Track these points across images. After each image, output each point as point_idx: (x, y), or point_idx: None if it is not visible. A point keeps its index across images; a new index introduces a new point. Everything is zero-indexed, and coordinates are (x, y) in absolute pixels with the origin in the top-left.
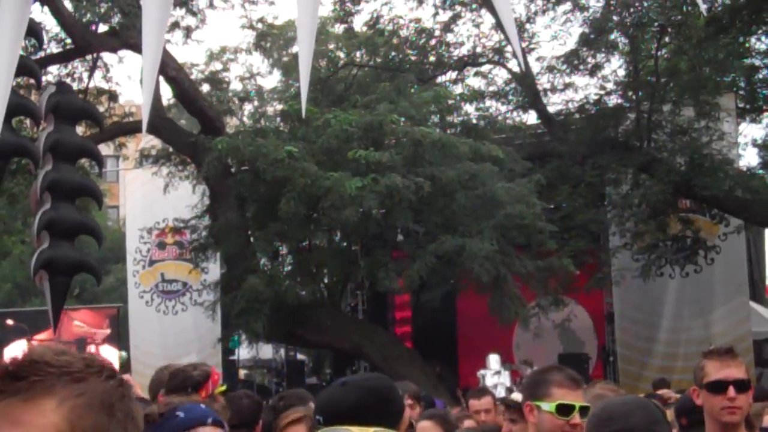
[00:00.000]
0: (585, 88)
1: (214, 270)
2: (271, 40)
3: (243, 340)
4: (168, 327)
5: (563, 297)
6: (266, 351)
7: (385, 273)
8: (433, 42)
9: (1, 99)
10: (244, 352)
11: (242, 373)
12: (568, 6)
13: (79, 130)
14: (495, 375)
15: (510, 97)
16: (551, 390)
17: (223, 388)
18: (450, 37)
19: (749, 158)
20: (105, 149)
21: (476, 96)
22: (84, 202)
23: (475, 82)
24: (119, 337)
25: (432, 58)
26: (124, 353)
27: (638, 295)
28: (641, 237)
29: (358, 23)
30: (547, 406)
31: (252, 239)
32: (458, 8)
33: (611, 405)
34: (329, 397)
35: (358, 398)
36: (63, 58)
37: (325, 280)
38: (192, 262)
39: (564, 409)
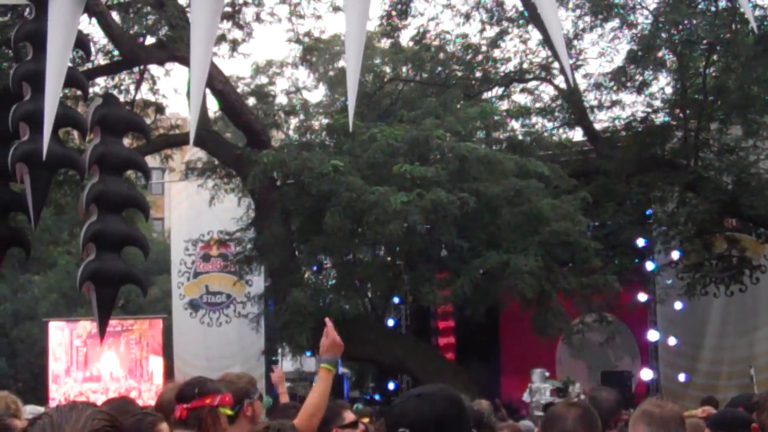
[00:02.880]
0: (632, 105)
1: (258, 282)
2: (318, 54)
3: (287, 352)
4: (212, 339)
5: (607, 314)
6: (310, 364)
7: (429, 288)
8: (479, 58)
9: (50, 110)
10: (287, 365)
11: (285, 385)
12: (616, 23)
13: (126, 142)
14: (536, 390)
15: (556, 114)
16: None
17: (230, 412)
18: (497, 53)
19: None
20: (151, 161)
21: (522, 112)
22: (130, 214)
23: (522, 98)
24: (163, 348)
25: (478, 74)
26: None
27: (682, 314)
28: (687, 255)
29: (405, 38)
30: None
31: (296, 252)
32: (505, 24)
33: None
34: (412, 409)
35: (442, 409)
36: (110, 70)
37: (369, 294)
38: (236, 274)
39: None
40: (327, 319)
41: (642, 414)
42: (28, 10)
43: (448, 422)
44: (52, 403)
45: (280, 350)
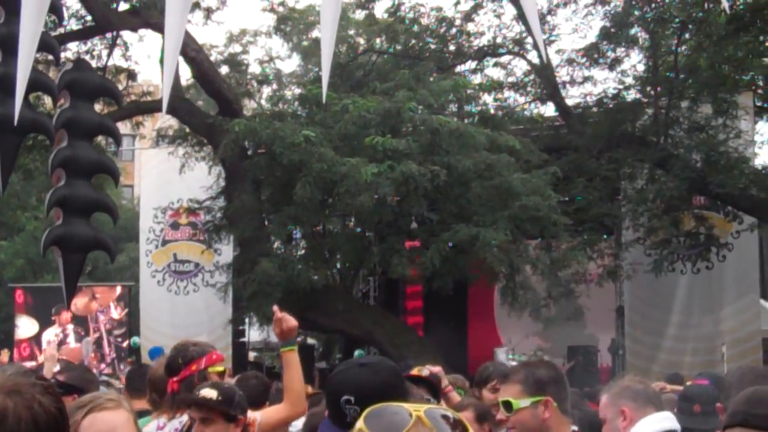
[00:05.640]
0: (604, 82)
1: (227, 252)
2: (292, 23)
3: (254, 322)
4: (179, 307)
5: (575, 288)
6: None
7: (398, 260)
8: (453, 31)
9: (22, 75)
10: (254, 335)
11: (252, 355)
12: None
13: (97, 107)
14: None
15: (528, 89)
16: None
17: (221, 369)
18: (470, 27)
19: (765, 157)
20: (121, 128)
21: (495, 86)
22: (100, 180)
23: (494, 73)
24: (130, 316)
25: (452, 47)
26: (136, 338)
27: (649, 290)
28: (654, 232)
29: (379, 10)
30: None
31: (266, 222)
32: None
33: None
34: (355, 377)
35: (385, 378)
36: (82, 35)
37: (338, 266)
38: (205, 243)
39: None
40: (275, 308)
41: (624, 390)
42: None
43: (390, 392)
44: None
45: (247, 320)
